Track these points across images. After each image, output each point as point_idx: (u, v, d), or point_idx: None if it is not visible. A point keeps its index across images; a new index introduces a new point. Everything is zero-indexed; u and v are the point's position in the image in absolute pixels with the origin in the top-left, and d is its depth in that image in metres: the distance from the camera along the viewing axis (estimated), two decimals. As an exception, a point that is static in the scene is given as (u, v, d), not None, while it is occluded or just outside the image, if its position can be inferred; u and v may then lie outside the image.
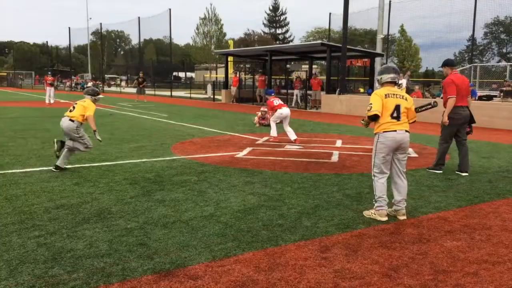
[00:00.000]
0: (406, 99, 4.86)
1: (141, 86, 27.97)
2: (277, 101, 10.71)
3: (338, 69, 24.72)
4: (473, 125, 7.47)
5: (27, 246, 3.76)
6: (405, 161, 4.90)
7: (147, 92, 31.65)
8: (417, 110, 5.40)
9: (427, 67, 50.33)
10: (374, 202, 4.85)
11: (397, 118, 4.73)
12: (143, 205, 5.03)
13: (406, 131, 4.79)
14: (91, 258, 3.53)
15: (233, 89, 28.37)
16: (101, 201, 5.17)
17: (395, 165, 4.86)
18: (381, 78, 4.97)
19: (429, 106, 6.47)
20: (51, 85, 24.97)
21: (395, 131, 4.71)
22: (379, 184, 4.81)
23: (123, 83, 54.53)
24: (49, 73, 28.08)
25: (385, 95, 4.78)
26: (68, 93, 42.98)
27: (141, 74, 28.95)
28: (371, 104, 4.77)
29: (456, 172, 7.18)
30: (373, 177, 4.90)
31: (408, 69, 39.43)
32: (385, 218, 4.72)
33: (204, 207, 5.01)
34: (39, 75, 68.17)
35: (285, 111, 10.37)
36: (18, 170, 6.81)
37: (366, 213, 4.87)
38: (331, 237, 4.13)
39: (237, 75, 29.53)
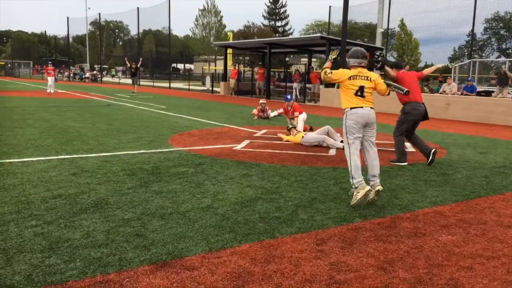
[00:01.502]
0: (370, 80, 5.27)
1: (135, 77, 27.68)
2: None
3: (337, 63, 24.64)
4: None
5: (24, 236, 3.77)
6: (374, 137, 5.30)
7: (144, 83, 31.54)
8: (389, 85, 5.68)
9: (426, 62, 50.27)
10: (351, 182, 5.10)
11: (362, 96, 5.19)
12: (141, 196, 5.04)
13: (371, 108, 5.23)
14: (88, 248, 3.55)
15: (232, 82, 28.33)
16: (98, 192, 5.18)
17: (365, 141, 5.28)
18: (349, 62, 5.39)
19: (399, 91, 6.43)
20: (51, 74, 25.02)
21: (362, 107, 5.15)
22: (354, 162, 5.12)
23: (119, 74, 54.31)
24: (50, 63, 28.02)
25: (350, 76, 5.25)
26: (66, 83, 42.86)
27: (133, 65, 28.73)
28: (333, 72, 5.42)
29: (427, 164, 7.36)
30: (347, 156, 5.21)
31: (407, 63, 39.40)
32: (368, 188, 4.96)
33: (201, 199, 5.02)
34: (38, 64, 67.93)
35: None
36: (15, 160, 6.80)
37: (352, 201, 4.97)
38: (327, 230, 4.16)
39: (236, 68, 29.48)
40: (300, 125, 10.39)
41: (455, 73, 23.94)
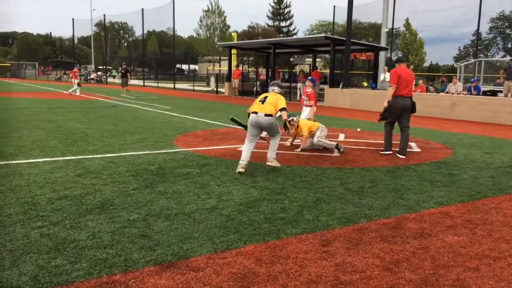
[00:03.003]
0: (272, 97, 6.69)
1: (124, 78, 27.46)
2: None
3: (341, 62, 24.60)
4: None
5: (30, 237, 3.79)
6: (273, 134, 6.69)
7: (149, 84, 31.48)
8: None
9: (431, 61, 50.13)
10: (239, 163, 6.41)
11: (262, 103, 6.61)
12: (146, 197, 5.05)
13: (266, 115, 6.44)
14: (94, 249, 3.56)
15: (235, 82, 28.28)
16: (104, 193, 5.19)
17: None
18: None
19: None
20: (76, 77, 25.77)
21: (256, 113, 6.55)
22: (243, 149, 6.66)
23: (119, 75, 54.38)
24: (77, 66, 28.78)
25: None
26: (71, 84, 43.03)
27: (124, 66, 28.86)
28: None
29: (397, 154, 8.01)
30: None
31: (412, 63, 39.27)
32: (242, 170, 6.30)
33: (206, 199, 5.03)
34: (44, 66, 68.23)
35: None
36: (21, 161, 6.84)
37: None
38: (333, 231, 4.15)
39: (239, 68, 29.44)
40: (310, 114, 9.85)
41: (460, 73, 23.86)
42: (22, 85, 36.77)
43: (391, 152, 8.18)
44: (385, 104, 8.07)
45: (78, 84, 26.12)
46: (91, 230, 3.98)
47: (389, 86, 8.00)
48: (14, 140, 8.83)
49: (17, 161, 6.82)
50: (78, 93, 25.04)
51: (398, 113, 8.00)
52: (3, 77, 54.93)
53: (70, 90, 25.45)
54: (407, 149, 8.20)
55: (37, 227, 4.02)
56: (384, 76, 21.34)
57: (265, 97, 6.72)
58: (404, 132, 8.05)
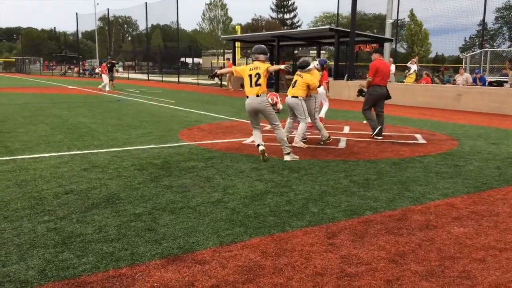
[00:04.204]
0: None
1: (110, 72, 26.78)
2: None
3: (346, 54, 24.49)
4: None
5: (37, 231, 3.81)
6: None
7: (153, 78, 31.39)
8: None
9: (436, 53, 49.75)
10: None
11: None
12: (151, 191, 5.07)
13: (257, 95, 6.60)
14: (100, 243, 3.58)
15: (228, 75, 27.85)
16: (109, 187, 5.21)
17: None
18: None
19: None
20: (105, 72, 24.53)
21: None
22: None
23: (120, 69, 54.23)
24: (105, 60, 27.63)
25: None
26: (76, 79, 43.14)
27: (109, 59, 28.27)
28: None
29: (375, 136, 8.92)
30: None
31: (417, 54, 39.01)
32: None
33: (211, 193, 5.04)
34: (48, 61, 68.36)
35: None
36: (27, 156, 6.88)
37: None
38: (338, 223, 4.15)
39: (230, 61, 29.11)
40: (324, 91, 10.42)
41: (466, 63, 23.67)
42: (27, 80, 36.89)
43: (380, 127, 9.02)
44: (365, 88, 9.47)
45: (111, 79, 25.15)
46: (97, 224, 4.01)
47: (367, 77, 9.20)
48: (20, 135, 8.87)
49: (23, 156, 6.86)
50: (107, 89, 23.92)
51: (376, 99, 9.13)
52: (8, 73, 55.10)
53: (100, 86, 24.37)
54: (413, 141, 8.19)
55: (43, 221, 4.04)
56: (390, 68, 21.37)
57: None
58: (380, 117, 9.14)
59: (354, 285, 2.98)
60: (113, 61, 27.94)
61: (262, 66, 6.61)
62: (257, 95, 6.58)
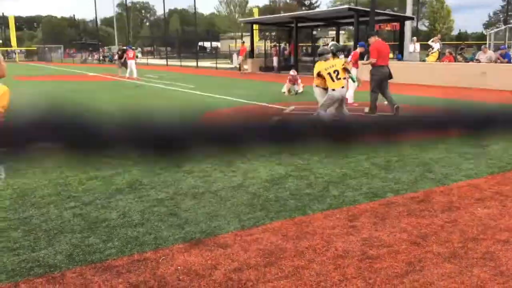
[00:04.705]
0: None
1: (121, 59, 26.07)
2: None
3: (366, 34, 24.03)
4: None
5: (64, 217, 3.92)
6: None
7: (172, 62, 31.23)
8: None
9: (460, 30, 48.49)
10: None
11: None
12: (173, 176, 5.14)
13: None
14: (125, 228, 3.66)
15: (240, 58, 27.53)
16: (132, 173, 5.30)
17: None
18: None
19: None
20: (131, 58, 23.67)
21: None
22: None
23: (139, 55, 54.27)
24: (132, 47, 27.35)
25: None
26: (96, 65, 43.57)
27: (120, 45, 27.77)
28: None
29: (393, 114, 8.77)
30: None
31: (439, 32, 38.08)
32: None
33: (232, 177, 5.08)
34: (68, 48, 69.13)
35: None
36: (52, 144, 7.01)
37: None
38: (359, 206, 4.14)
39: (244, 45, 28.83)
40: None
41: (490, 40, 23.01)
42: (49, 69, 37.44)
43: (375, 115, 9.22)
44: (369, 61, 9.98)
45: (122, 65, 24.30)
46: (122, 209, 4.09)
47: (371, 59, 9.70)
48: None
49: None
50: (132, 75, 21.73)
51: (381, 79, 9.55)
52: (31, 61, 56.01)
53: (127, 74, 23.45)
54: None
55: (70, 207, 4.15)
56: (414, 46, 21.16)
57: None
58: (388, 97, 9.53)
59: (375, 267, 2.99)
60: (124, 47, 27.82)
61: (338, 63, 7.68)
62: (342, 87, 7.50)
